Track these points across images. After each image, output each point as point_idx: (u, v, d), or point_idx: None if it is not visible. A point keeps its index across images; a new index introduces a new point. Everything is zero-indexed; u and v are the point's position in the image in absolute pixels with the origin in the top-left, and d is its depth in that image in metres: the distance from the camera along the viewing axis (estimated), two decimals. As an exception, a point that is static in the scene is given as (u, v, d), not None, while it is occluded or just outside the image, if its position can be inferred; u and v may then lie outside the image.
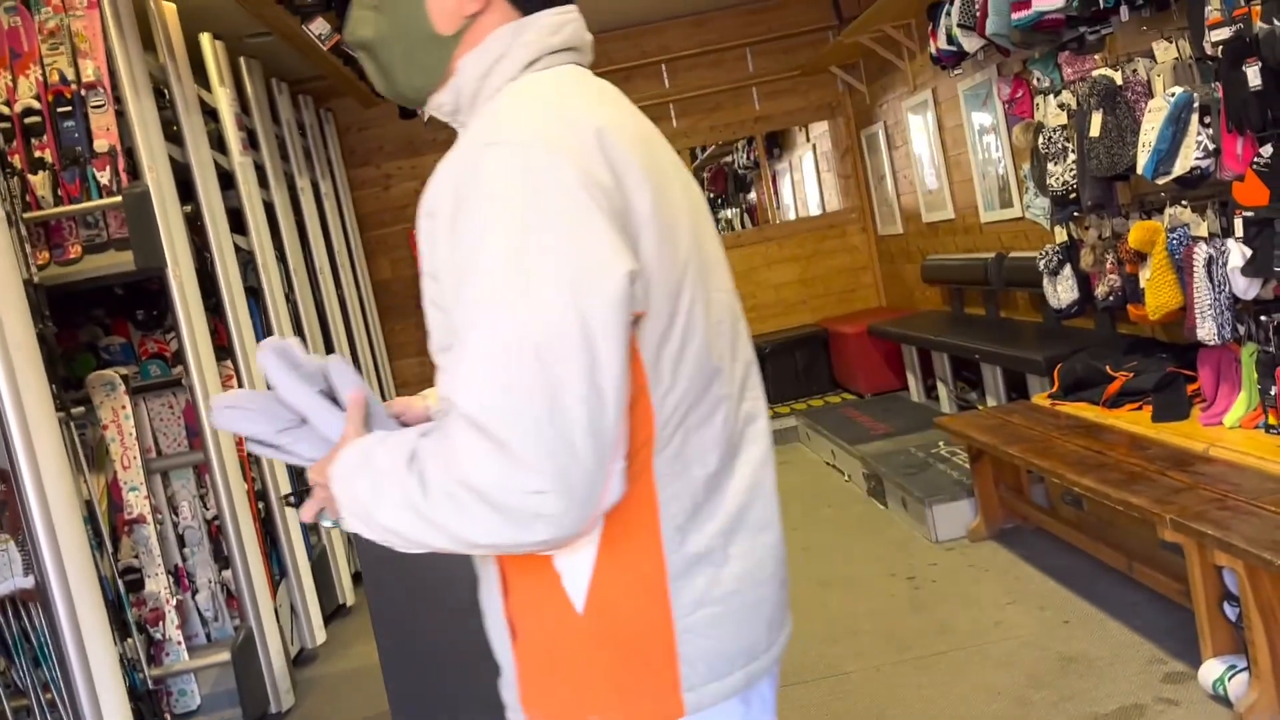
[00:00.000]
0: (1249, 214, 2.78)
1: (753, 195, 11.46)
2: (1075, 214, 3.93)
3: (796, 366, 7.05)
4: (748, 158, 10.66)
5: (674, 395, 1.02)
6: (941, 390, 5.75)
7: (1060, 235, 3.93)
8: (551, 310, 0.91)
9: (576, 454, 0.90)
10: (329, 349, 5.40)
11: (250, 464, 3.95)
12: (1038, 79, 4.40)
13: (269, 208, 4.79)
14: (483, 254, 0.94)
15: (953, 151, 5.81)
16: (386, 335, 6.78)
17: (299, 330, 4.94)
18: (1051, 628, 3.16)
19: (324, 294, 5.52)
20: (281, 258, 4.87)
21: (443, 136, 6.80)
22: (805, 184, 9.57)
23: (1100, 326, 4.21)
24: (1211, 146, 2.88)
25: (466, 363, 0.93)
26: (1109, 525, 3.39)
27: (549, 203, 0.94)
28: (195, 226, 3.85)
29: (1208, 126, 2.90)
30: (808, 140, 9.11)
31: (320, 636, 4.10)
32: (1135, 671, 2.80)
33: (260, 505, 4.02)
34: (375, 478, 0.98)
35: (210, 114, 4.36)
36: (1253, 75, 2.69)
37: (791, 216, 10.27)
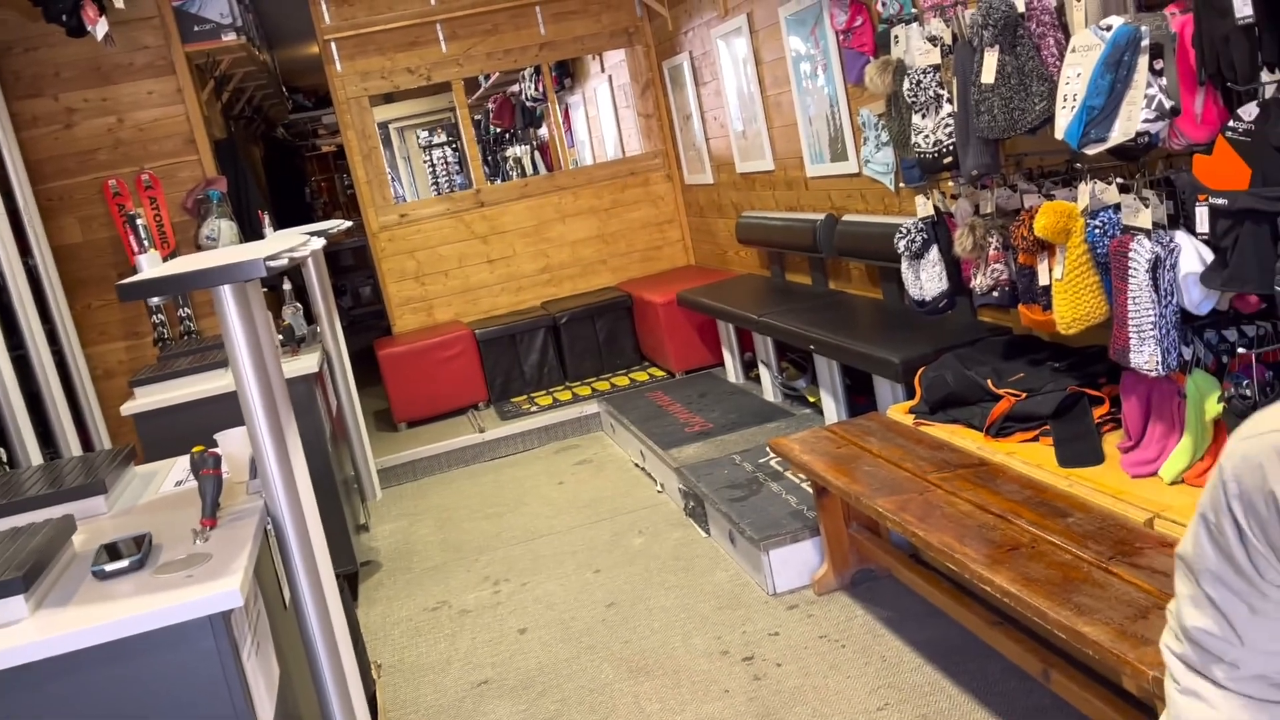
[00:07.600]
0: (1219, 201, 1.97)
1: (545, 130, 10.29)
2: (938, 181, 3.11)
3: (597, 338, 6.09)
4: (536, 88, 9.47)
5: None
6: (764, 373, 4.93)
7: (923, 208, 3.09)
8: None
9: None
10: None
11: None
12: (883, 4, 3.54)
13: None
14: None
15: (772, 91, 4.91)
16: (78, 316, 5.31)
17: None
18: (942, 755, 2.36)
19: (-39, 275, 4.07)
20: None
21: (140, 61, 5.32)
22: (601, 120, 8.50)
23: (961, 312, 3.45)
24: (1169, 104, 2.05)
25: None
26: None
27: None
28: None
29: (1160, 75, 2.06)
30: (603, 70, 8.03)
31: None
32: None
33: None
34: None
35: None
36: (1241, 2, 1.85)
37: (587, 156, 9.20)
